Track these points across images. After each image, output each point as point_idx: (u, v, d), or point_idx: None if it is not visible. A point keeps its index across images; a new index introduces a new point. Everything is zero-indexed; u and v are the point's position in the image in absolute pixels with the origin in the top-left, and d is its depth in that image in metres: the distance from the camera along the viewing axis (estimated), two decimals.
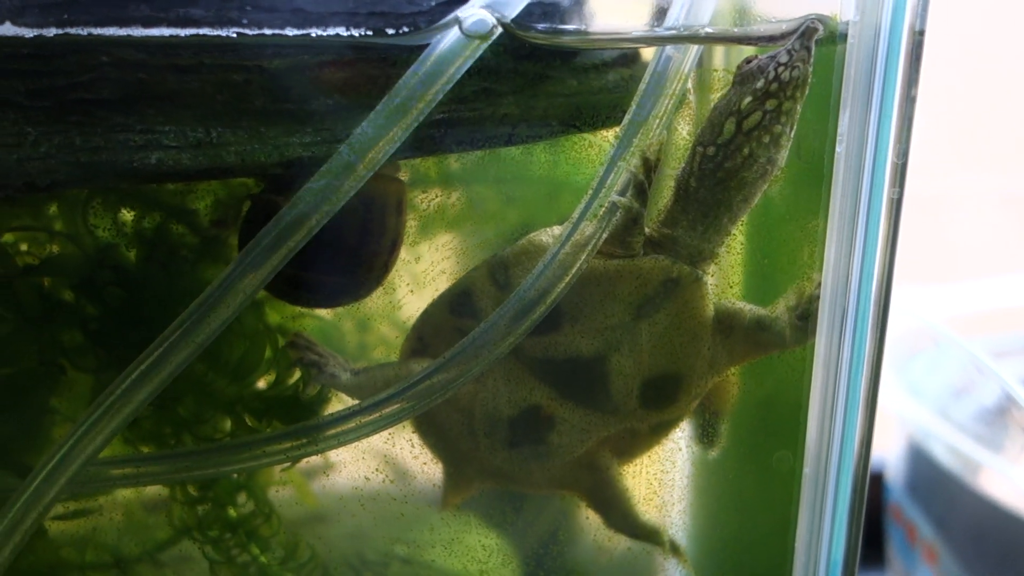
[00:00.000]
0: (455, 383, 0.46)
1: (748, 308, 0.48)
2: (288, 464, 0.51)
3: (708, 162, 0.45)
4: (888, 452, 0.82)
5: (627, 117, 0.44)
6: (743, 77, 0.44)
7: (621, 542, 0.54)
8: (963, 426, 0.69)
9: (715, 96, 0.46)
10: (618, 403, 0.48)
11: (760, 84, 0.43)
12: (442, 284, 0.51)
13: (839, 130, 0.43)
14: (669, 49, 0.44)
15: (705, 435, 0.53)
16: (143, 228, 0.49)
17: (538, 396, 0.48)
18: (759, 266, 0.50)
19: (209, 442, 0.51)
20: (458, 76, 0.41)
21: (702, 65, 0.46)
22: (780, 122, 0.44)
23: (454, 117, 0.45)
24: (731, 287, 0.50)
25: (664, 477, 0.52)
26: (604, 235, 0.45)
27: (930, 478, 0.74)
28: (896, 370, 0.76)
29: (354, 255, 0.48)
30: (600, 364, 0.47)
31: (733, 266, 0.50)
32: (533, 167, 0.50)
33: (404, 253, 0.50)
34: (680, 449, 0.51)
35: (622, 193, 0.45)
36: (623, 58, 0.48)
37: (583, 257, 0.45)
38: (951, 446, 0.70)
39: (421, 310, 0.50)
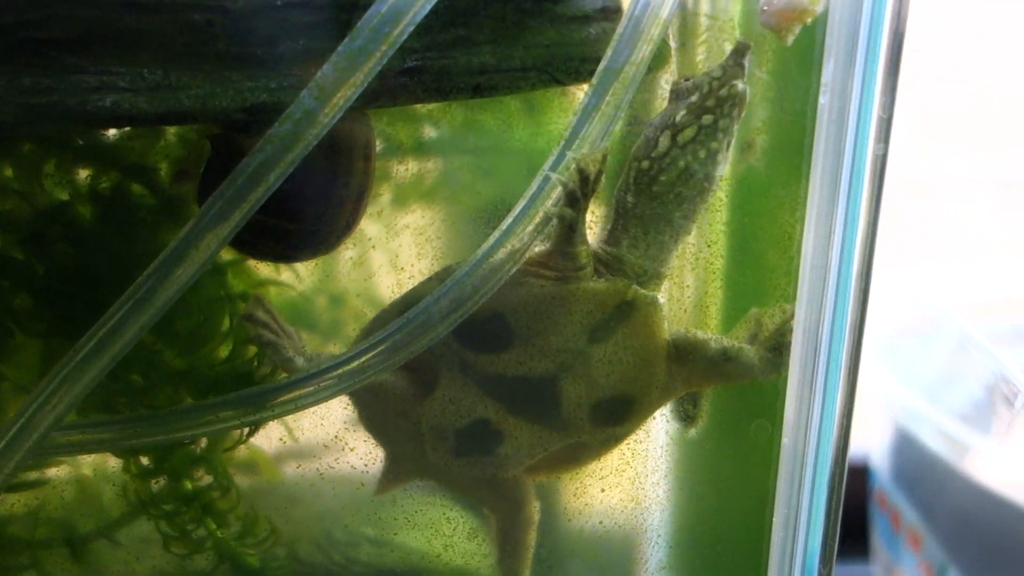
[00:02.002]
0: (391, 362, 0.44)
1: (714, 339, 0.47)
2: (244, 431, 0.49)
3: (643, 176, 0.46)
4: (874, 441, 0.81)
5: (602, 63, 0.42)
6: (679, 93, 0.45)
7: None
8: (950, 408, 0.68)
9: (700, 42, 0.45)
10: (568, 421, 0.47)
11: (695, 98, 0.45)
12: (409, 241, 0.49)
13: (823, 79, 0.41)
14: None
15: (685, 414, 0.52)
16: (99, 186, 0.47)
17: (487, 410, 0.47)
18: (740, 225, 0.49)
19: (160, 409, 0.49)
20: (420, 16, 0.40)
21: (686, 8, 0.45)
22: (717, 139, 0.44)
23: (427, 65, 0.43)
24: (710, 245, 0.49)
25: (637, 447, 0.50)
26: (537, 237, 0.43)
27: (916, 463, 0.73)
28: (882, 356, 0.74)
29: (319, 201, 0.46)
30: (551, 384, 0.46)
31: (713, 223, 0.48)
32: (512, 139, 0.49)
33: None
34: (654, 418, 0.50)
35: (556, 203, 0.43)
36: (604, 11, 0.47)
37: (520, 242, 0.43)
38: (938, 429, 0.69)
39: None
